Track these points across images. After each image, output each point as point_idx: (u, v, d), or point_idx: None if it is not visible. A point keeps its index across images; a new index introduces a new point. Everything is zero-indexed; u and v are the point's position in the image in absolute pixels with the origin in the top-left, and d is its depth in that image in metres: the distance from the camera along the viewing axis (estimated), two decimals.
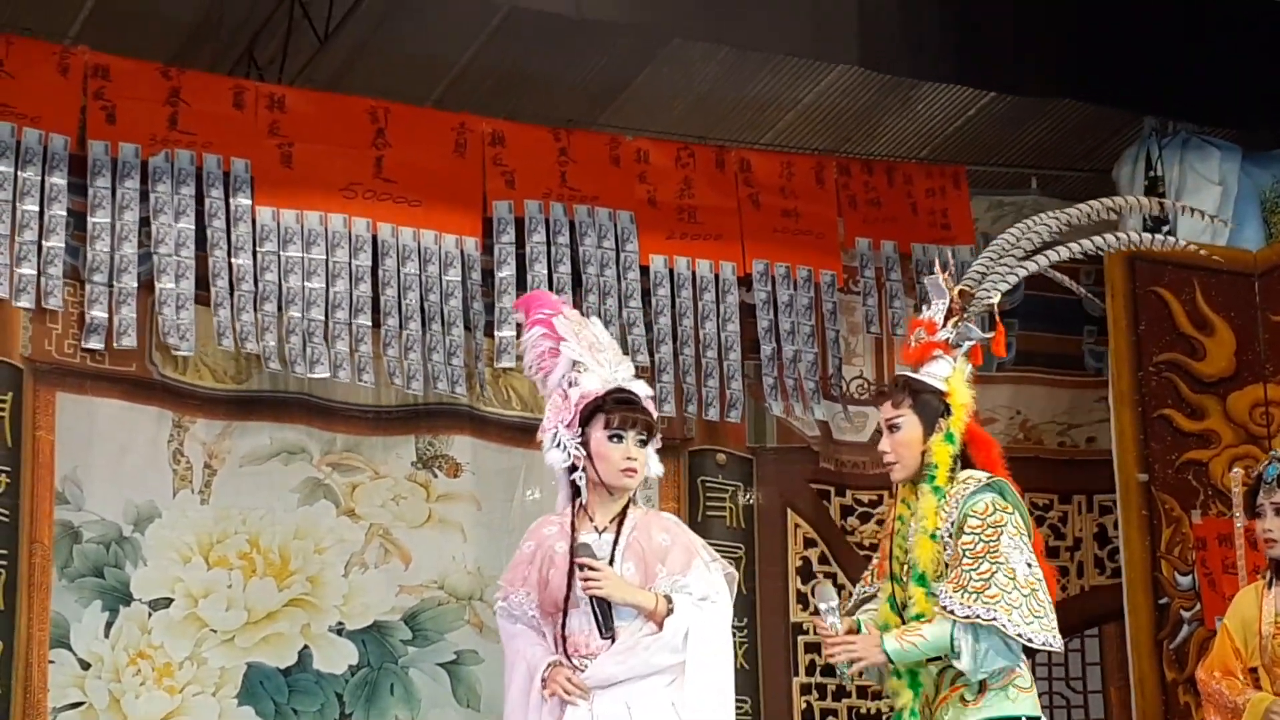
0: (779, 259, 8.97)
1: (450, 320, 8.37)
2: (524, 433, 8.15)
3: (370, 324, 8.26)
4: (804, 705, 8.90)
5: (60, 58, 7.89)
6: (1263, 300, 8.88)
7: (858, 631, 5.84)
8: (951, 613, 5.54)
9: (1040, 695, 9.34)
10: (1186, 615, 8.64)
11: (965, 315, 5.94)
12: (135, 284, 7.91)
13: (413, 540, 8.44)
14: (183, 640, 8.01)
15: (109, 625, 7.88)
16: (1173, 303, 8.88)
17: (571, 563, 5.44)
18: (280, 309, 8.09)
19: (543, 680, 5.41)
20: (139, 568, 7.99)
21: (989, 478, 5.73)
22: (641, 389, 5.67)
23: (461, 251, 8.46)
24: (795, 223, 9.04)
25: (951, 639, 5.56)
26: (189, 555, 8.10)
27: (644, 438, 5.57)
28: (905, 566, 5.78)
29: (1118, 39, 8.48)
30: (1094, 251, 6.29)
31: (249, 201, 8.12)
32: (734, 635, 8.77)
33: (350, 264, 8.26)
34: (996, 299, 6.00)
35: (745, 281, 8.98)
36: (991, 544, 5.57)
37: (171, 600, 8.03)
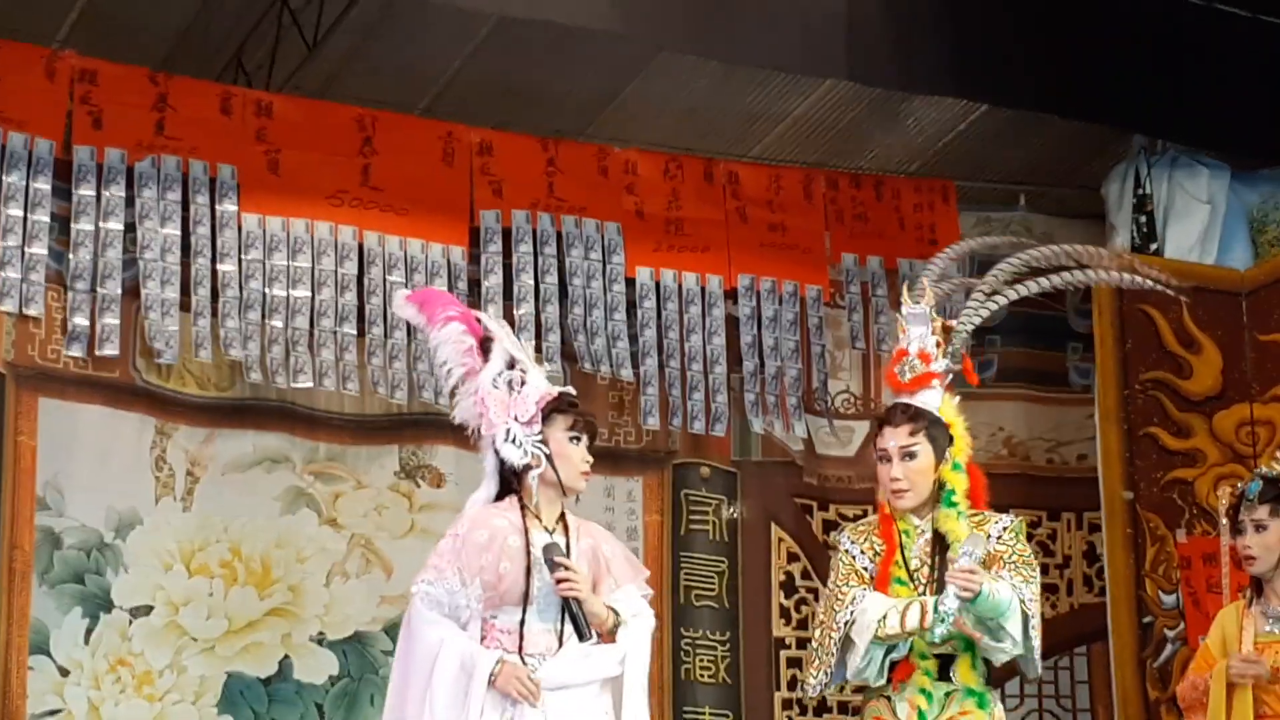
0: (765, 273, 8.96)
1: None
2: None
3: (355, 333, 8.26)
4: None
5: (47, 62, 7.89)
6: (1250, 319, 8.88)
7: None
8: (1017, 589, 5.66)
9: (1030, 713, 9.39)
10: (1170, 634, 8.64)
11: (950, 347, 6.00)
12: (119, 291, 7.89)
13: (395, 550, 8.42)
14: (163, 648, 7.99)
15: (89, 632, 7.86)
16: (1160, 321, 8.88)
17: (529, 559, 5.39)
18: (264, 317, 8.07)
19: (491, 676, 5.32)
20: (120, 575, 7.97)
21: (1010, 518, 5.87)
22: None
23: (448, 261, 8.46)
24: (782, 236, 9.03)
25: (1009, 608, 5.64)
26: (170, 563, 8.08)
27: (591, 441, 5.58)
28: (914, 581, 5.78)
29: (1108, 57, 8.48)
30: (1075, 285, 6.39)
31: (235, 208, 8.11)
32: (716, 649, 8.89)
33: (336, 272, 8.25)
34: (971, 328, 6.07)
35: (732, 295, 8.97)
36: (1027, 564, 5.76)
37: (152, 608, 8.01)
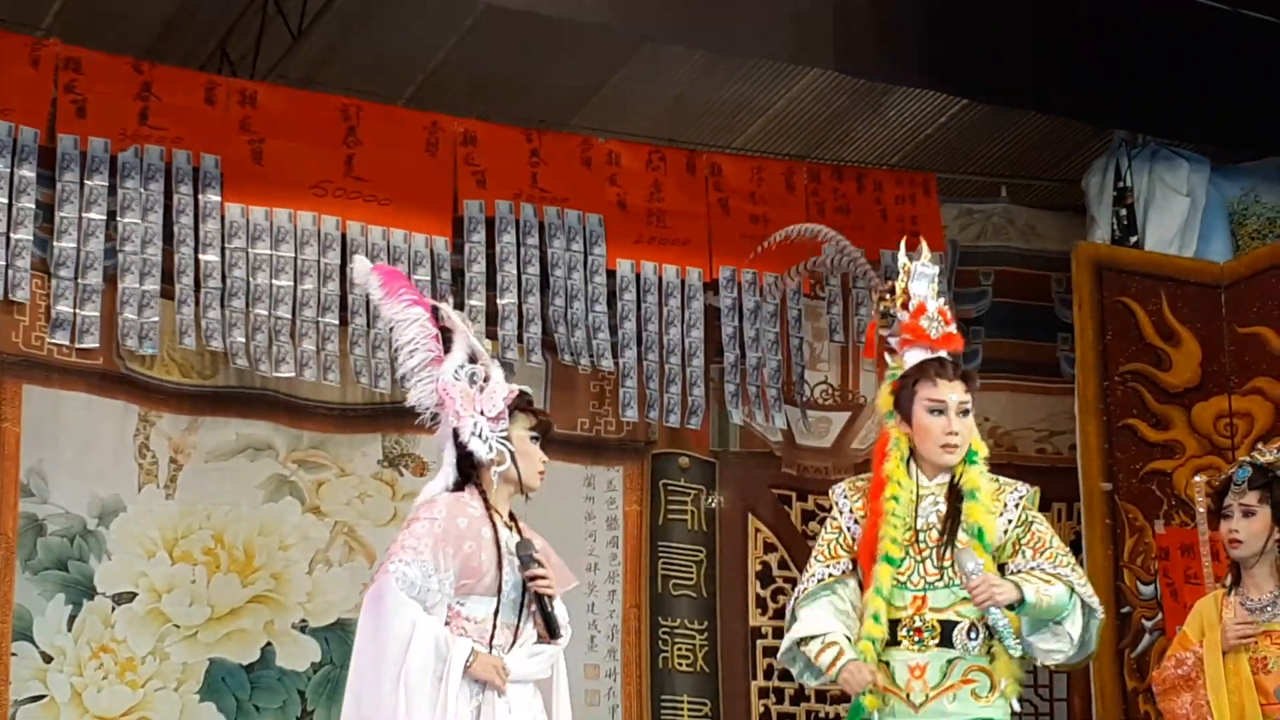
0: (746, 265, 8.98)
1: None
2: None
3: (338, 322, 8.27)
4: (762, 709, 8.92)
5: (32, 50, 7.89)
6: (1229, 312, 8.90)
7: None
8: (1071, 585, 5.55)
9: None
10: (1148, 625, 8.67)
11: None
12: (101, 280, 7.90)
13: (378, 538, 8.41)
14: (145, 635, 8.01)
15: (72, 619, 7.88)
16: (1139, 313, 8.90)
17: (499, 552, 5.40)
18: (247, 306, 8.09)
19: (465, 664, 5.32)
20: (103, 561, 7.99)
21: (1025, 486, 5.72)
22: None
23: (431, 251, 8.47)
24: (764, 228, 9.01)
25: (1067, 607, 5.56)
26: (153, 550, 8.10)
27: (544, 441, 5.61)
28: (919, 544, 5.66)
29: (1090, 51, 8.50)
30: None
31: (218, 198, 8.12)
32: (694, 638, 8.92)
33: (319, 262, 8.27)
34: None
35: (713, 286, 8.99)
36: (1064, 549, 5.63)
37: (135, 595, 8.03)
